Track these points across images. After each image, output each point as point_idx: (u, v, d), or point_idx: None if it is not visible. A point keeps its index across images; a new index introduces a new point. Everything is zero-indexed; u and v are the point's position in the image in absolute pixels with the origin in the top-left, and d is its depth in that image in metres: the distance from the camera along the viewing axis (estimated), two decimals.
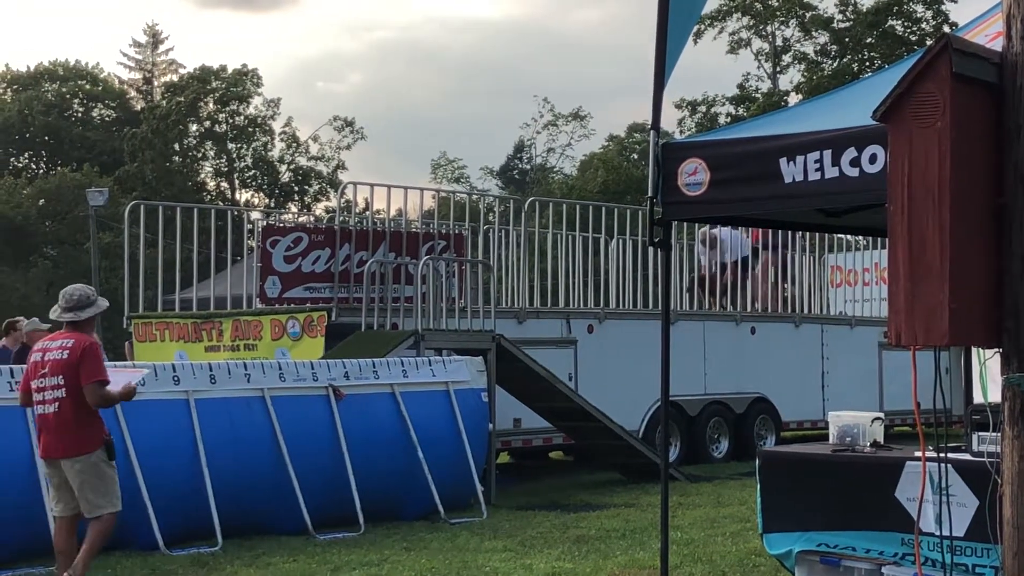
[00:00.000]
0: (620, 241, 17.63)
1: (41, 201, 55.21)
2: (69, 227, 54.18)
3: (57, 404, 8.36)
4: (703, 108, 55.11)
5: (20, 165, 63.69)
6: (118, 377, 8.69)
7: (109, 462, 8.44)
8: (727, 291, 18.58)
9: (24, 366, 10.49)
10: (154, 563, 9.91)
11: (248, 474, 11.07)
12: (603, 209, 18.11)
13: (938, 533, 6.50)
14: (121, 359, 17.86)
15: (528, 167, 67.71)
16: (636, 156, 55.09)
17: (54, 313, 8.63)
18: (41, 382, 8.40)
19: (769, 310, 18.89)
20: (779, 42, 56.09)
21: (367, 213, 15.92)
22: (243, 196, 63.65)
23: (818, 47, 54.67)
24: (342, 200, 17.87)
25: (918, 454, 6.66)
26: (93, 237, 42.53)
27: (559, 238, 17.61)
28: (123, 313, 16.41)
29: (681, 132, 51.98)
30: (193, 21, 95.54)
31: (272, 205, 60.05)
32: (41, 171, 62.15)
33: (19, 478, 9.92)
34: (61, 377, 8.35)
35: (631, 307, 17.62)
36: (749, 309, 18.64)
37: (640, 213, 17.23)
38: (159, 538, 10.35)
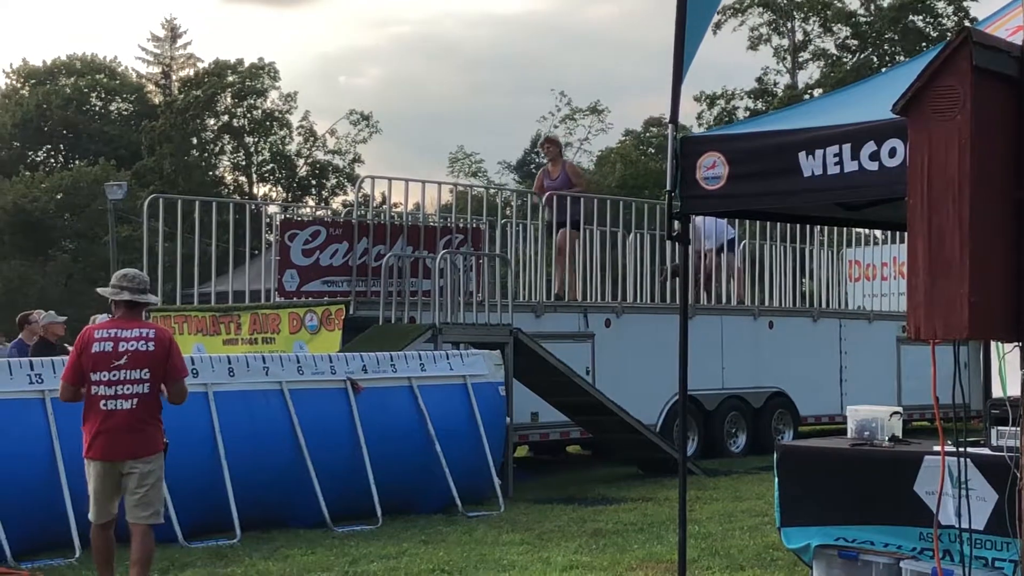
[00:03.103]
0: (637, 235, 17.61)
1: (59, 195, 55.33)
2: (87, 221, 54.31)
3: (135, 400, 7.67)
4: (721, 102, 55.01)
5: (38, 159, 63.87)
6: None
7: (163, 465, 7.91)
8: (709, 280, 18.39)
9: (50, 359, 10.57)
10: (173, 555, 9.94)
11: (266, 467, 11.10)
12: (620, 203, 18.09)
13: (957, 527, 6.50)
14: None
15: (545, 161, 67.66)
16: (653, 150, 54.99)
17: (121, 295, 7.81)
18: (115, 375, 7.64)
19: (746, 302, 18.72)
20: (799, 37, 55.97)
21: (384, 207, 15.92)
22: (260, 190, 63.70)
23: (838, 42, 54.54)
24: (360, 194, 17.84)
25: (937, 448, 6.65)
26: (111, 231, 42.65)
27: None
28: None
29: (700, 126, 51.91)
30: (217, 16, 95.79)
31: (289, 199, 60.12)
32: (59, 165, 62.27)
33: (39, 471, 9.96)
34: (147, 371, 7.69)
35: (648, 301, 17.60)
36: (758, 302, 18.60)
37: (658, 207, 17.22)
38: (178, 531, 10.38)
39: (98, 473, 7.76)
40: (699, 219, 17.83)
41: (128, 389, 7.66)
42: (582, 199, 16.53)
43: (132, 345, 7.69)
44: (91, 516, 7.91)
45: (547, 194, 16.25)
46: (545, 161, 16.23)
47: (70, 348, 15.78)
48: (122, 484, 7.80)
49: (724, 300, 18.49)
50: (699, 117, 54.79)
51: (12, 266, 53.58)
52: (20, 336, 15.73)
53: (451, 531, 11.16)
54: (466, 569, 9.39)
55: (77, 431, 10.12)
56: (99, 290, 8.12)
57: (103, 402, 7.66)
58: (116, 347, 7.69)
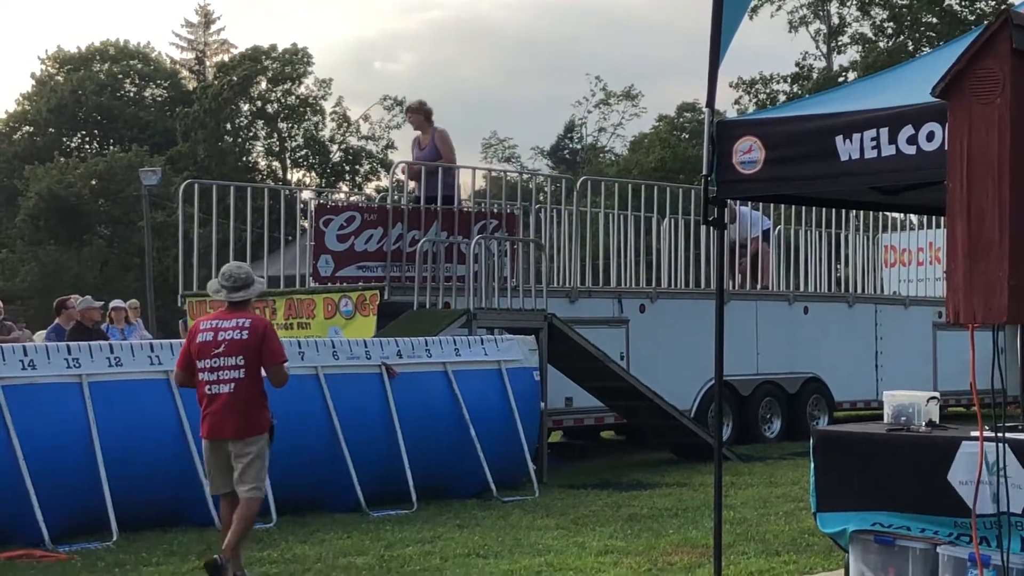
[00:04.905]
0: (672, 220, 17.57)
1: (93, 181, 55.63)
2: (122, 206, 54.60)
3: (233, 384, 8.31)
4: (759, 87, 54.81)
5: (73, 145, 64.21)
6: None
7: (270, 445, 8.52)
8: (756, 267, 18.39)
9: (87, 343, 10.67)
10: (209, 539, 9.99)
11: (302, 452, 11.13)
12: (655, 188, 18.05)
13: (994, 512, 6.46)
14: (175, 337, 18.02)
15: (579, 147, 67.59)
16: (687, 136, 54.87)
17: (220, 294, 8.52)
18: (215, 362, 8.32)
19: (779, 288, 18.63)
20: (835, 21, 55.71)
21: (418, 193, 15.90)
22: (294, 176, 63.97)
23: (875, 26, 54.24)
24: (394, 180, 17.86)
25: (974, 434, 6.61)
26: (146, 216, 42.87)
27: (611, 217, 17.57)
28: (177, 292, 16.53)
29: (740, 111, 51.73)
30: (255, 1, 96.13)
31: (323, 185, 60.29)
32: (93, 151, 62.58)
33: (77, 455, 10.03)
34: (241, 357, 8.31)
35: (683, 287, 17.57)
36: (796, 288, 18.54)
37: (692, 191, 17.18)
38: (215, 515, 10.41)
39: (208, 450, 8.54)
40: (744, 208, 17.87)
41: (226, 375, 8.33)
42: (455, 172, 15.57)
43: (228, 335, 8.37)
44: (212, 491, 8.86)
45: (400, 164, 15.21)
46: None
47: (106, 332, 15.97)
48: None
49: (759, 287, 18.46)
50: (737, 103, 54.68)
51: (48, 252, 53.96)
52: (57, 320, 15.85)
53: (486, 516, 11.18)
54: (501, 554, 9.41)
55: (114, 415, 10.28)
56: (207, 287, 8.90)
57: (207, 387, 8.38)
58: (216, 337, 8.38)
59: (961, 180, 5.25)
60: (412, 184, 16.05)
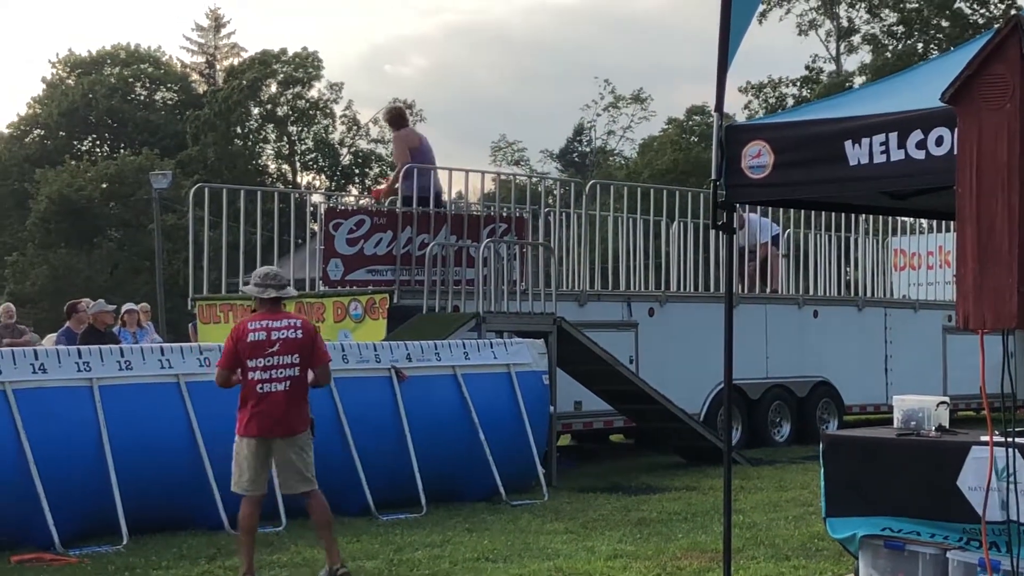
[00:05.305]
0: (681, 223, 17.56)
1: (104, 184, 55.71)
2: (132, 210, 54.66)
3: (288, 383, 8.47)
4: (768, 91, 54.78)
5: (84, 149, 64.31)
6: None
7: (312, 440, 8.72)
8: (765, 274, 18.40)
9: (98, 347, 10.69)
10: (219, 542, 10.02)
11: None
12: (664, 192, 18.03)
13: (1004, 518, 6.46)
14: (185, 340, 18.04)
15: (588, 150, 67.58)
16: (696, 139, 54.84)
17: (267, 292, 8.56)
18: (269, 360, 8.44)
19: (788, 291, 18.61)
20: (845, 23, 55.68)
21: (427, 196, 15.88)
22: (304, 179, 64.01)
23: (884, 28, 54.19)
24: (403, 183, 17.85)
25: (984, 438, 6.61)
26: (156, 219, 42.87)
27: (620, 221, 17.57)
28: (187, 295, 16.55)
29: (749, 116, 51.72)
30: (271, 4, 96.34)
31: (332, 188, 60.33)
32: (104, 154, 62.67)
33: (87, 458, 10.05)
34: (296, 356, 8.49)
35: (692, 290, 17.56)
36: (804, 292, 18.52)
37: (701, 195, 17.18)
38: (224, 517, 10.46)
39: (250, 448, 8.51)
40: (754, 215, 17.89)
41: (281, 373, 8.47)
42: (429, 173, 15.17)
43: (282, 334, 8.51)
44: (242, 490, 8.60)
45: (405, 167, 14.85)
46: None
47: (118, 336, 15.98)
48: (272, 460, 8.57)
49: (768, 291, 18.44)
50: (747, 107, 54.65)
51: (58, 255, 54.04)
52: (67, 324, 15.87)
53: (495, 519, 11.19)
54: (510, 557, 9.41)
55: (124, 419, 10.29)
56: (245, 289, 9.11)
57: (259, 385, 8.45)
58: (269, 336, 8.48)
59: (970, 186, 5.25)
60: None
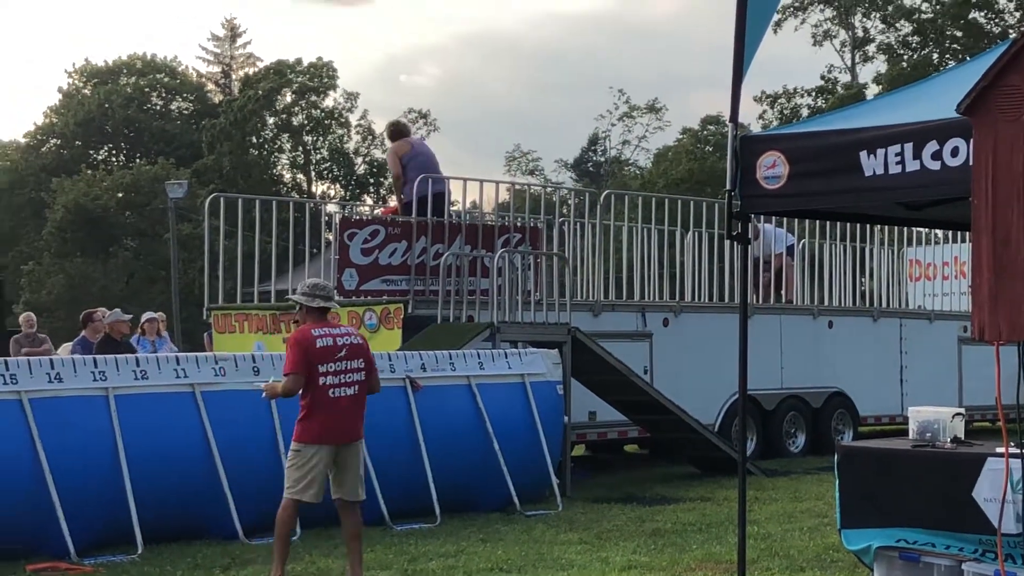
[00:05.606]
0: (696, 233, 17.55)
1: (120, 194, 55.89)
2: (148, 219, 54.82)
3: (356, 387, 8.60)
4: (783, 101, 54.76)
5: (100, 158, 64.52)
6: None
7: None
8: (779, 282, 18.36)
9: (114, 356, 10.71)
10: (234, 552, 10.03)
11: None
12: (679, 201, 18.03)
13: (1020, 530, 6.44)
14: (200, 350, 18.07)
15: (603, 159, 67.59)
16: (711, 148, 54.82)
17: (315, 302, 8.61)
18: (339, 365, 8.52)
19: (804, 302, 18.57)
20: (859, 33, 55.65)
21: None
22: (319, 188, 64.12)
23: (899, 38, 54.15)
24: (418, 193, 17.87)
25: (1000, 450, 6.59)
26: (172, 229, 43.00)
27: (635, 231, 17.56)
28: (202, 304, 16.58)
29: (764, 126, 51.70)
30: (284, 15, 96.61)
31: (347, 197, 60.42)
32: (120, 164, 62.86)
33: (103, 468, 10.06)
34: (362, 361, 8.64)
35: (707, 300, 17.55)
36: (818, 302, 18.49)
37: (716, 205, 17.16)
38: (239, 528, 10.47)
39: (321, 457, 8.49)
40: (768, 225, 17.88)
41: (350, 378, 8.58)
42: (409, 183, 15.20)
43: (346, 340, 8.64)
44: (310, 498, 8.54)
45: (421, 177, 14.86)
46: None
47: (134, 345, 16.00)
48: (334, 465, 8.57)
49: (783, 301, 18.42)
50: (761, 117, 54.61)
51: (74, 264, 54.22)
52: (83, 334, 15.90)
53: (509, 530, 11.18)
54: (524, 568, 9.40)
55: (140, 428, 10.30)
56: (293, 297, 8.90)
57: (331, 390, 8.52)
58: (335, 342, 8.57)
59: (986, 197, 5.25)
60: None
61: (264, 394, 9.06)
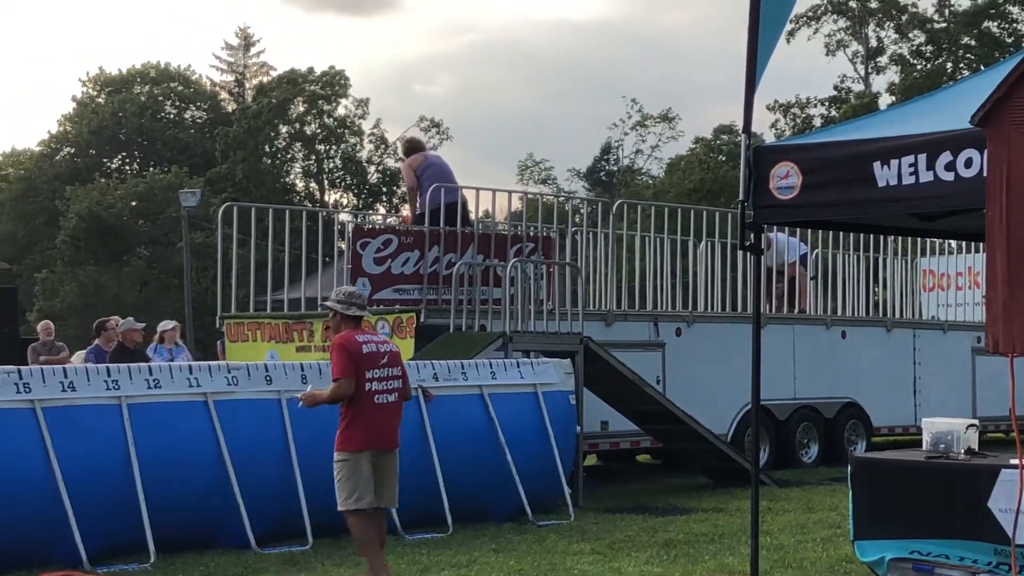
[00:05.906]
0: (708, 243, 17.54)
1: (133, 202, 56.02)
2: (161, 227, 54.94)
3: (396, 394, 8.69)
4: (796, 110, 54.75)
5: (113, 166, 64.69)
6: None
7: None
8: (793, 294, 18.35)
9: (127, 365, 10.74)
10: (246, 561, 10.03)
11: None
12: (691, 211, 18.02)
13: None
14: (213, 358, 18.09)
15: (615, 169, 67.59)
16: (723, 158, 54.81)
17: (351, 310, 8.66)
18: (383, 371, 8.59)
19: (817, 312, 18.53)
20: (873, 43, 55.64)
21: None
22: (331, 197, 64.20)
23: (913, 48, 54.12)
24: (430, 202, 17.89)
25: (1014, 461, 6.57)
26: (185, 237, 43.07)
27: (647, 240, 17.55)
28: (215, 313, 16.60)
29: (777, 135, 51.68)
30: (298, 25, 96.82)
31: (360, 206, 60.49)
32: (133, 172, 63.01)
33: (115, 476, 10.07)
34: (399, 368, 8.74)
35: (720, 310, 17.53)
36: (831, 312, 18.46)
37: (729, 215, 17.15)
38: (251, 536, 10.47)
39: (370, 462, 8.56)
40: (781, 235, 17.86)
41: (391, 384, 8.66)
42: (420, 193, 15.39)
43: (385, 347, 8.75)
44: (366, 505, 8.53)
45: (435, 186, 14.98)
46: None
47: (152, 354, 16.03)
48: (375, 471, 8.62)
49: (796, 311, 18.40)
50: (774, 126, 54.58)
51: (88, 272, 54.31)
52: (96, 342, 15.93)
53: (521, 540, 11.17)
54: None
55: (153, 437, 10.31)
56: (328, 304, 8.91)
57: (376, 396, 8.59)
58: (378, 348, 8.66)
59: (1000, 208, 5.24)
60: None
61: (301, 403, 8.96)
